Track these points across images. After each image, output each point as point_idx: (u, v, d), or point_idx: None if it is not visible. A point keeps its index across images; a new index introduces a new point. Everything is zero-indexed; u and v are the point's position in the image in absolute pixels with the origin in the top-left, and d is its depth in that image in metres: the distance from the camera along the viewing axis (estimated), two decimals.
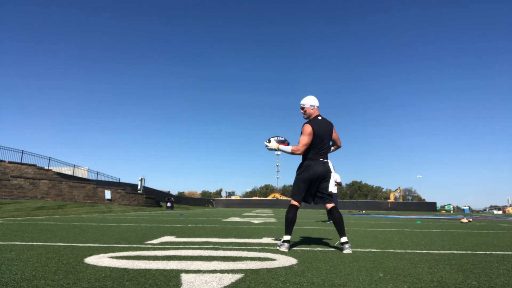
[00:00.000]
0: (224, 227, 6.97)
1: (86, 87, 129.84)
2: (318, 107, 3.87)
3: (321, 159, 3.72)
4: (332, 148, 4.04)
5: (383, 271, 2.53)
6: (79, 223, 7.34)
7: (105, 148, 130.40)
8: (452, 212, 73.36)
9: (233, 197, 75.16)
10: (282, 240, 3.63)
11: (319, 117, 3.83)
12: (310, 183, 3.70)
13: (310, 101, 3.84)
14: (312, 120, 3.79)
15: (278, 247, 3.57)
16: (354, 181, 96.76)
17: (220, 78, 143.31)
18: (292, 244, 4.04)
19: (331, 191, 3.73)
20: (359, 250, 3.72)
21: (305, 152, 3.75)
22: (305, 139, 3.68)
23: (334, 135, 3.91)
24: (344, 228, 3.66)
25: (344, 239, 3.57)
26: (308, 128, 3.69)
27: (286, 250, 3.49)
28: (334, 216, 3.67)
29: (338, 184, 10.69)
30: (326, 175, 3.72)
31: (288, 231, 3.65)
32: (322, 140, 3.74)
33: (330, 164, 3.80)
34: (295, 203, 3.72)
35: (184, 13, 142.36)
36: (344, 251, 3.48)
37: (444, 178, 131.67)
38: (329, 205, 3.74)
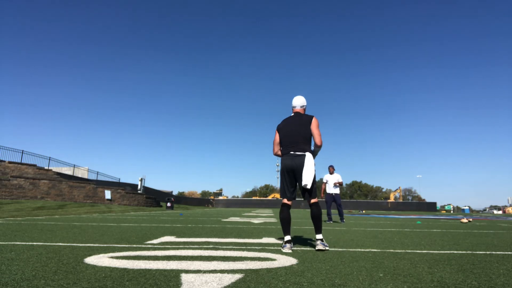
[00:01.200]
0: (224, 227, 6.97)
1: (86, 87, 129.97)
2: (298, 106, 4.00)
3: (291, 153, 3.75)
4: (313, 147, 3.89)
5: (383, 271, 2.53)
6: (79, 223, 7.34)
7: (105, 148, 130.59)
8: (452, 212, 73.34)
9: (220, 197, 75.10)
10: (283, 241, 3.63)
11: (292, 114, 3.99)
12: (286, 178, 3.77)
13: (291, 103, 4.05)
14: (282, 120, 4.02)
15: (282, 249, 3.55)
16: (354, 181, 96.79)
17: (221, 78, 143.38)
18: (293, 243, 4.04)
19: (305, 185, 3.64)
20: (359, 250, 3.72)
21: None
22: (274, 139, 4.01)
23: (313, 130, 3.78)
24: (320, 225, 3.68)
25: (318, 236, 3.63)
26: (276, 130, 4.03)
27: (290, 251, 3.47)
28: (311, 211, 3.70)
29: (339, 185, 10.64)
30: (296, 170, 3.69)
31: (286, 232, 3.65)
32: (286, 134, 3.83)
33: (307, 157, 3.68)
34: (284, 201, 3.79)
35: (184, 14, 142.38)
36: (316, 248, 3.54)
37: (444, 178, 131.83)
38: (310, 201, 3.74)
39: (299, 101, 4.00)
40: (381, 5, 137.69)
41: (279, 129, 3.93)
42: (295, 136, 3.76)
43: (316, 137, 3.79)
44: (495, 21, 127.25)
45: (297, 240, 4.57)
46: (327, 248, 3.55)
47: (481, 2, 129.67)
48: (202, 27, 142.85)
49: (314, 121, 3.80)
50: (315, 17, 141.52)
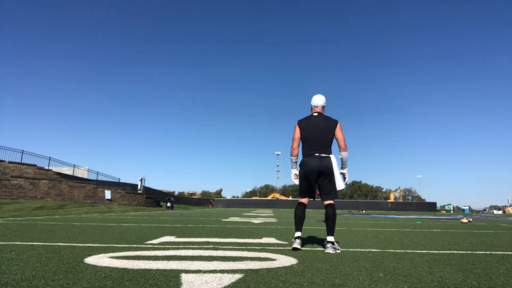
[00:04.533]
0: (224, 227, 6.97)
1: (86, 87, 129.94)
2: (320, 105, 3.94)
3: (316, 154, 3.74)
4: (340, 154, 3.95)
5: (383, 271, 2.53)
6: (79, 223, 7.34)
7: (105, 148, 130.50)
8: (452, 212, 73.34)
9: (193, 197, 75.26)
10: (294, 237, 3.69)
11: (314, 114, 3.92)
12: (309, 179, 3.76)
13: (311, 101, 4.01)
14: (305, 117, 3.97)
15: (292, 244, 3.60)
16: (354, 181, 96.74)
17: (221, 78, 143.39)
18: (291, 244, 4.04)
19: (342, 188, 3.71)
20: (359, 250, 3.72)
21: (301, 150, 3.91)
22: (293, 136, 3.94)
23: (338, 135, 3.83)
24: (334, 227, 3.65)
25: (329, 238, 3.61)
26: (296, 125, 3.95)
27: (299, 246, 3.53)
28: (326, 214, 3.70)
29: None
30: (323, 171, 3.69)
31: (298, 228, 3.71)
32: (310, 134, 3.79)
33: (332, 159, 3.75)
34: (301, 200, 3.82)
35: (185, 13, 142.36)
36: (326, 250, 3.53)
37: (444, 178, 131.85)
38: (326, 202, 3.74)
39: (320, 101, 3.94)
40: (380, 4, 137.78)
41: (302, 127, 3.87)
42: (321, 139, 3.77)
43: (342, 142, 3.84)
44: (496, 20, 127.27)
45: None
46: (338, 251, 3.50)
47: (482, 1, 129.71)
48: (203, 27, 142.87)
49: (339, 126, 3.84)
50: (314, 15, 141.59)
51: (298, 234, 3.65)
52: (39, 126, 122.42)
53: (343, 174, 3.91)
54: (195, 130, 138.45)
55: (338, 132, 3.82)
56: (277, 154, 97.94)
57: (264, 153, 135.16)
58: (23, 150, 23.55)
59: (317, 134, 3.78)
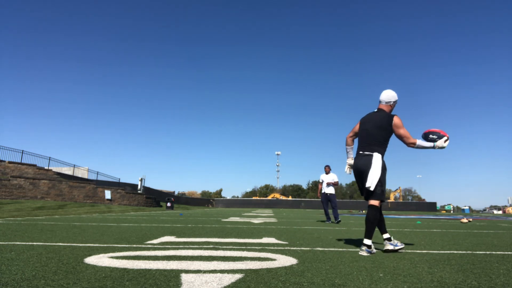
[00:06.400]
0: (224, 227, 6.96)
1: (86, 87, 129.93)
2: (383, 101, 3.78)
3: (361, 152, 3.67)
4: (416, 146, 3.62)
5: (383, 271, 2.53)
6: (79, 223, 7.34)
7: (105, 148, 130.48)
8: (452, 212, 73.36)
9: (183, 196, 74.93)
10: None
11: (375, 110, 3.83)
12: (357, 177, 3.71)
13: (380, 96, 3.87)
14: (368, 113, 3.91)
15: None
16: (354, 181, 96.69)
17: (221, 78, 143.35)
18: (291, 244, 4.05)
19: (368, 186, 3.46)
20: (359, 250, 3.71)
21: None
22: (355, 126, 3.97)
23: (398, 133, 3.55)
24: (370, 230, 3.42)
25: (364, 241, 3.39)
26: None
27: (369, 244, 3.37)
28: (366, 216, 3.54)
29: (335, 184, 10.51)
30: (360, 169, 3.58)
31: (368, 234, 3.44)
32: (362, 130, 3.76)
33: (374, 158, 3.52)
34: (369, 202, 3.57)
35: (184, 12, 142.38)
36: (359, 253, 3.39)
37: (444, 178, 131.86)
38: (368, 202, 3.54)
39: (383, 96, 3.77)
40: (380, 3, 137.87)
41: (360, 122, 3.84)
42: (368, 136, 3.63)
43: (405, 139, 3.57)
44: (495, 20, 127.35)
45: (297, 240, 4.56)
46: (373, 252, 3.37)
47: (483, 3, 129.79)
48: (201, 27, 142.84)
49: (395, 123, 3.56)
50: (315, 13, 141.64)
51: (368, 242, 3.39)
52: (39, 126, 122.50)
53: (435, 146, 3.65)
54: (195, 130, 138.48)
55: (396, 130, 3.55)
56: (277, 154, 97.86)
57: (264, 153, 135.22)
58: (23, 150, 23.57)
59: (366, 130, 3.68)
